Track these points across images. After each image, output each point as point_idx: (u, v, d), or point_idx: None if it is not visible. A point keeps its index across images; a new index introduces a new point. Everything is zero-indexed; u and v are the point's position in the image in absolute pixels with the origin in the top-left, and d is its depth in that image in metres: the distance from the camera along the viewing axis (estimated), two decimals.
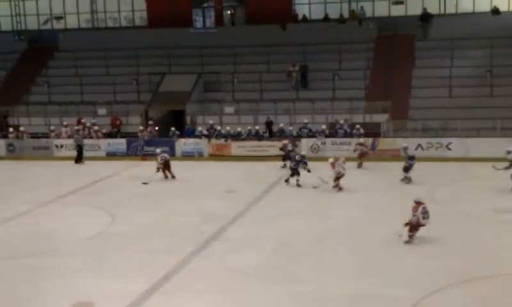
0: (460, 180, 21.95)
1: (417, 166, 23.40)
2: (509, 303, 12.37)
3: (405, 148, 24.33)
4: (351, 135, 29.60)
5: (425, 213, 16.01)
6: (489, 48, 33.32)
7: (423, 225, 16.08)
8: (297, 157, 23.76)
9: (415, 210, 16.04)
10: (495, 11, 35.56)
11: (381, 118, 30.84)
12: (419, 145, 28.40)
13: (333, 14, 38.44)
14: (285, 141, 27.50)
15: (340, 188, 22.24)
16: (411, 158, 23.65)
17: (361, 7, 38.09)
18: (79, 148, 30.37)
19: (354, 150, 27.55)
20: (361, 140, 27.92)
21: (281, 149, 27.11)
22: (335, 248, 16.16)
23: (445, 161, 27.03)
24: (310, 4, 39.98)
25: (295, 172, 23.46)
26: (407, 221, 16.13)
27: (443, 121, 29.77)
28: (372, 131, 29.85)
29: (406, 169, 23.41)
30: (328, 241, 16.81)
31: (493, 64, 32.50)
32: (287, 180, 23.67)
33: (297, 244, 16.64)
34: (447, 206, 19.64)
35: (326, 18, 38.50)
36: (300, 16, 39.45)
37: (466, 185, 22.18)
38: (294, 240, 16.94)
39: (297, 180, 23.39)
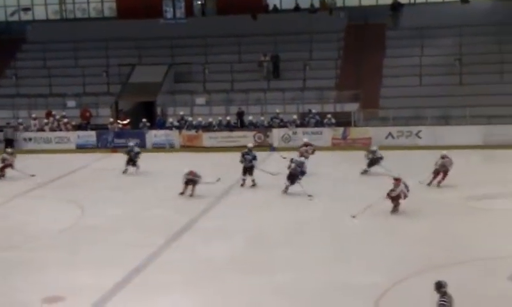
0: (430, 168, 22.04)
1: (389, 154, 23.48)
2: (476, 288, 12.49)
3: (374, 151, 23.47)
4: (322, 125, 29.65)
5: (407, 187, 17.92)
6: (459, 37, 33.63)
7: (407, 196, 17.80)
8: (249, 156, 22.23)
9: (398, 184, 17.78)
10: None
11: (352, 107, 30.94)
12: (390, 134, 28.66)
13: (304, 4, 38.42)
14: (131, 143, 25.96)
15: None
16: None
17: None
18: (8, 142, 30.06)
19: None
20: (305, 140, 25.45)
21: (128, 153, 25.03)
22: (308, 238, 16.19)
23: (415, 149, 27.20)
24: None
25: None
26: (392, 195, 17.74)
27: (413, 110, 29.98)
28: (343, 120, 29.97)
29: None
30: (301, 231, 16.82)
31: (462, 53, 32.77)
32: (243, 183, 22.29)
33: (270, 234, 16.64)
34: (418, 194, 19.71)
35: (297, 8, 38.47)
36: (271, 6, 39.38)
37: (427, 174, 22.18)
38: (266, 231, 16.93)
39: (253, 180, 22.09)
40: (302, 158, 22.06)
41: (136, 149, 25.26)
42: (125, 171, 24.85)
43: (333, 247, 15.38)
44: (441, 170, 20.86)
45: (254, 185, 22.04)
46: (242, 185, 22.15)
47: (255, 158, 22.31)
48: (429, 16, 34.56)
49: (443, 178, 20.89)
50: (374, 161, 23.12)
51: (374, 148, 23.75)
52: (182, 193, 20.79)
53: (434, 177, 20.96)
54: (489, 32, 33.43)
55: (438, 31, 34.00)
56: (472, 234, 16.02)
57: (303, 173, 20.65)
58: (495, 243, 15.20)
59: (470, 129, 27.80)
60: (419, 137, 28.31)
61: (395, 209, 17.94)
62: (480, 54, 32.48)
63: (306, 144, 24.81)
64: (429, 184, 20.87)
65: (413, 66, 32.67)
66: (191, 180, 20.67)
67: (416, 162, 23.61)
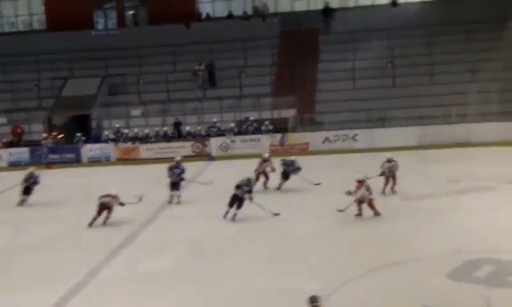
0: (368, 171, 22.25)
1: (327, 159, 23.58)
2: (415, 286, 12.60)
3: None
4: (260, 132, 29.71)
5: (369, 189, 17.59)
6: (390, 40, 34.23)
7: (372, 198, 17.55)
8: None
9: (359, 187, 17.44)
10: (394, 3, 36.61)
11: (288, 113, 31.15)
12: (327, 138, 28.93)
13: (237, 11, 38.51)
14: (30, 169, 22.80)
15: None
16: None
17: (265, 4, 38.27)
18: None
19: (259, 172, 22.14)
20: (266, 155, 22.52)
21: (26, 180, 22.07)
22: (251, 247, 15.99)
23: (352, 152, 27.50)
24: (213, 1, 39.86)
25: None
26: (357, 197, 17.46)
27: (348, 113, 30.33)
28: (281, 126, 30.12)
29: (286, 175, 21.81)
30: (244, 241, 16.63)
31: (394, 55, 33.39)
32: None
33: (212, 245, 16.41)
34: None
35: (230, 16, 38.51)
36: (204, 15, 39.29)
37: (373, 174, 22.42)
38: (208, 242, 16.71)
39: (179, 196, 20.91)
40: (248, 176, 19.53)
41: (36, 174, 22.33)
42: (21, 203, 21.94)
43: (274, 255, 15.26)
44: (389, 175, 20.41)
45: (179, 202, 20.78)
46: (169, 202, 20.80)
47: (183, 172, 21.04)
48: (360, 20, 35.10)
49: (394, 183, 20.45)
50: (287, 173, 21.62)
51: (292, 158, 21.97)
52: (91, 224, 18.34)
53: (386, 183, 20.39)
54: (419, 35, 34.14)
55: (370, 35, 34.58)
56: (411, 234, 16.22)
57: (250, 191, 18.46)
58: (433, 242, 15.40)
59: (405, 130, 28.36)
60: (356, 140, 28.68)
61: (359, 209, 17.65)
62: (411, 56, 33.17)
63: (265, 160, 22.02)
64: (383, 192, 20.12)
65: (346, 70, 33.08)
66: (110, 205, 18.51)
67: (354, 164, 23.78)
